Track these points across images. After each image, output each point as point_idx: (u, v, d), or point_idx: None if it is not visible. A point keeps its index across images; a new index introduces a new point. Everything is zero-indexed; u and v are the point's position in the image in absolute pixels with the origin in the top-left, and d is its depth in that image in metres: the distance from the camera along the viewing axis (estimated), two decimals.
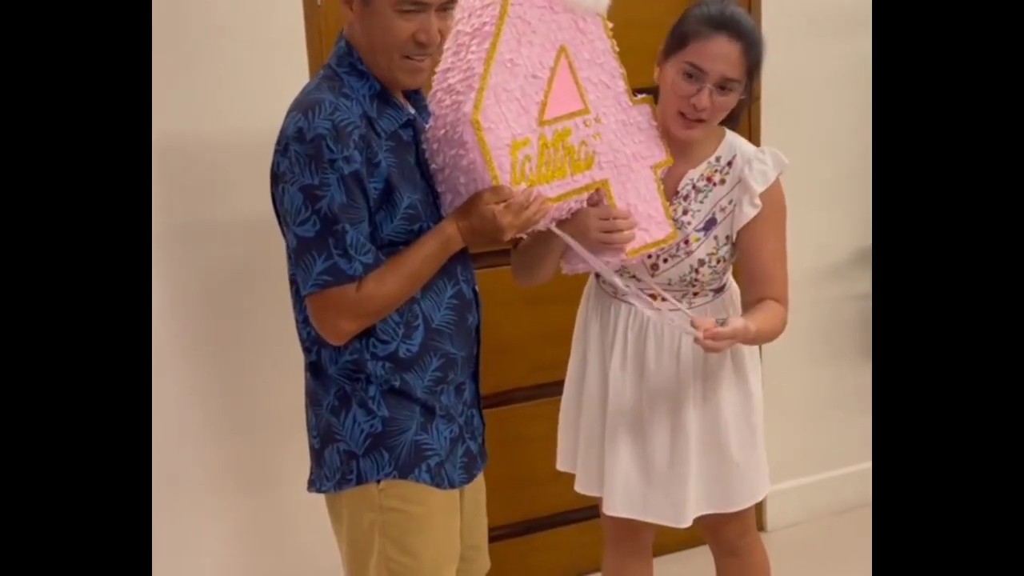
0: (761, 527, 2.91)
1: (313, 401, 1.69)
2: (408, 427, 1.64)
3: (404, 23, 1.54)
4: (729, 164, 1.87)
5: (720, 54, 1.74)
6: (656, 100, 1.86)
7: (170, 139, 2.01)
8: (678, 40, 1.78)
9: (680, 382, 1.92)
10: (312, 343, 1.65)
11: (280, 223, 1.62)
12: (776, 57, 1.87)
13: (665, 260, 1.88)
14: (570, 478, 2.06)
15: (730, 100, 1.79)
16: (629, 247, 1.79)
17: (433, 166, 1.67)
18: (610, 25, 1.78)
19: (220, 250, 2.19)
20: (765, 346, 2.17)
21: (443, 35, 1.58)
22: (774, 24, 2.55)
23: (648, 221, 1.81)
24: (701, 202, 1.87)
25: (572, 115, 1.72)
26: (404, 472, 1.63)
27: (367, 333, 1.61)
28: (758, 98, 1.87)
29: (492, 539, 1.96)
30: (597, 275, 2.01)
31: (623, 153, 1.79)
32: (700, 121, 1.79)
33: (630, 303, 1.91)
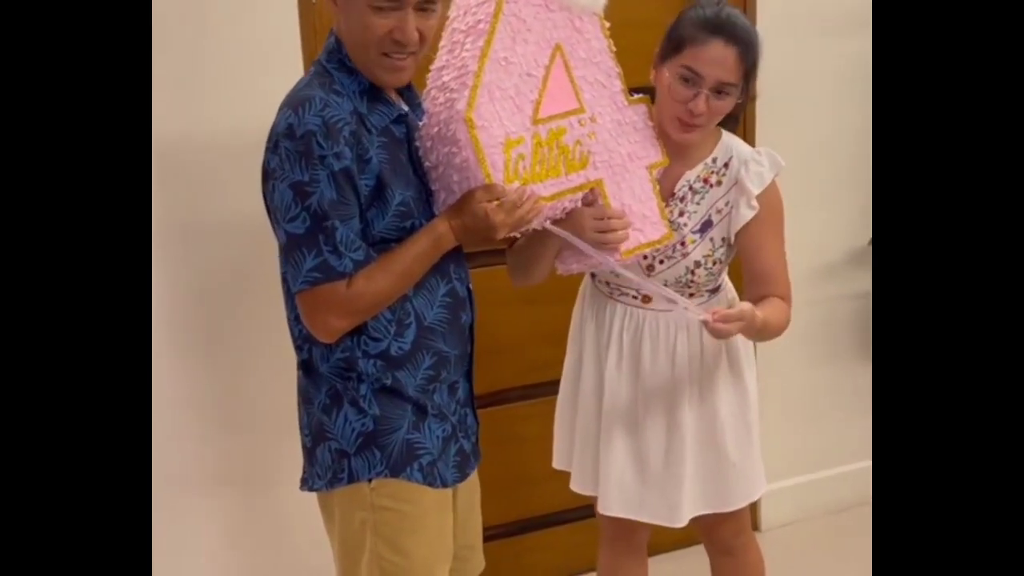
0: (755, 527, 2.90)
1: (305, 399, 1.69)
2: (400, 426, 1.63)
3: (380, 20, 1.53)
4: (725, 166, 1.86)
5: (716, 59, 1.73)
6: (653, 100, 1.86)
7: (164, 139, 2.01)
8: (674, 44, 1.77)
9: (676, 382, 1.92)
10: (304, 341, 1.65)
11: (271, 220, 1.61)
12: (771, 56, 1.86)
13: (661, 261, 1.88)
14: (565, 478, 2.06)
15: (727, 104, 1.78)
16: (623, 247, 1.78)
17: (427, 164, 1.66)
18: (607, 24, 1.77)
19: (214, 250, 2.19)
20: (760, 345, 2.17)
21: (423, 34, 1.56)
22: (768, 23, 2.54)
23: (643, 221, 1.81)
24: (697, 204, 1.87)
25: (567, 114, 1.72)
26: (396, 471, 1.62)
27: (358, 331, 1.60)
28: (754, 97, 1.86)
29: (486, 539, 1.95)
30: (593, 275, 2.01)
31: (618, 153, 1.79)
32: (696, 125, 1.78)
33: (630, 296, 1.90)
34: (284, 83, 1.64)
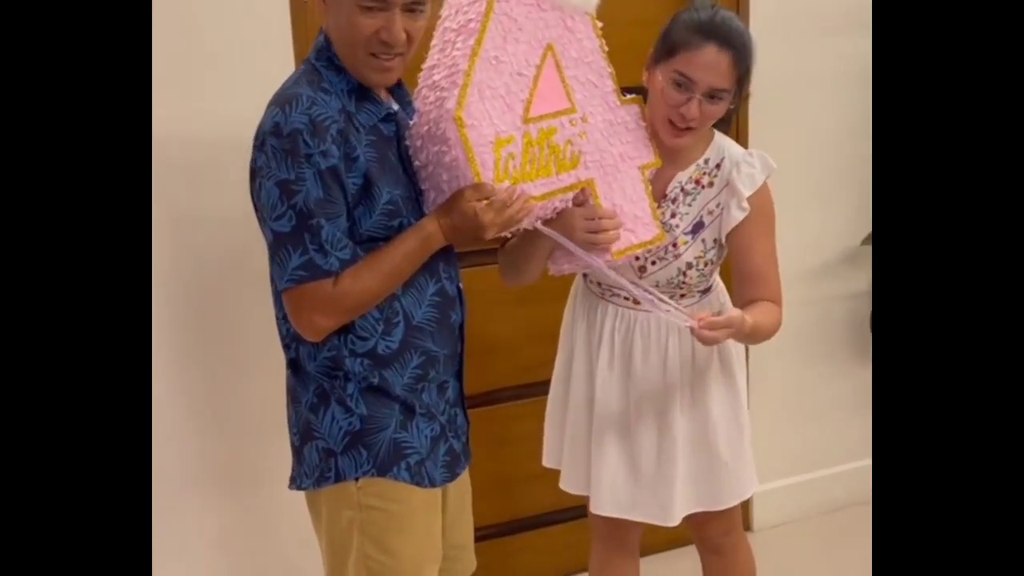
0: (748, 527, 2.90)
1: (293, 398, 1.69)
2: (387, 425, 1.63)
3: (367, 20, 1.52)
4: (717, 167, 1.86)
5: (709, 65, 1.72)
6: (645, 100, 1.85)
7: (157, 136, 2.00)
8: (667, 47, 1.76)
9: (667, 382, 1.92)
10: (291, 339, 1.65)
11: (258, 218, 1.61)
12: (763, 57, 1.86)
13: (653, 263, 1.87)
14: (557, 478, 2.06)
15: (719, 109, 1.77)
16: (615, 248, 1.78)
17: (417, 163, 1.66)
18: (600, 24, 1.77)
19: (205, 248, 2.18)
20: (752, 346, 2.16)
21: (411, 35, 1.56)
22: (761, 25, 2.54)
23: (634, 222, 1.80)
24: (689, 205, 1.86)
25: (558, 114, 1.71)
26: (383, 470, 1.62)
27: (345, 329, 1.60)
28: (746, 97, 1.85)
29: (477, 539, 1.95)
30: (585, 275, 2.00)
31: (610, 153, 1.78)
32: (688, 130, 1.78)
33: (621, 297, 1.90)
34: (276, 80, 1.63)
